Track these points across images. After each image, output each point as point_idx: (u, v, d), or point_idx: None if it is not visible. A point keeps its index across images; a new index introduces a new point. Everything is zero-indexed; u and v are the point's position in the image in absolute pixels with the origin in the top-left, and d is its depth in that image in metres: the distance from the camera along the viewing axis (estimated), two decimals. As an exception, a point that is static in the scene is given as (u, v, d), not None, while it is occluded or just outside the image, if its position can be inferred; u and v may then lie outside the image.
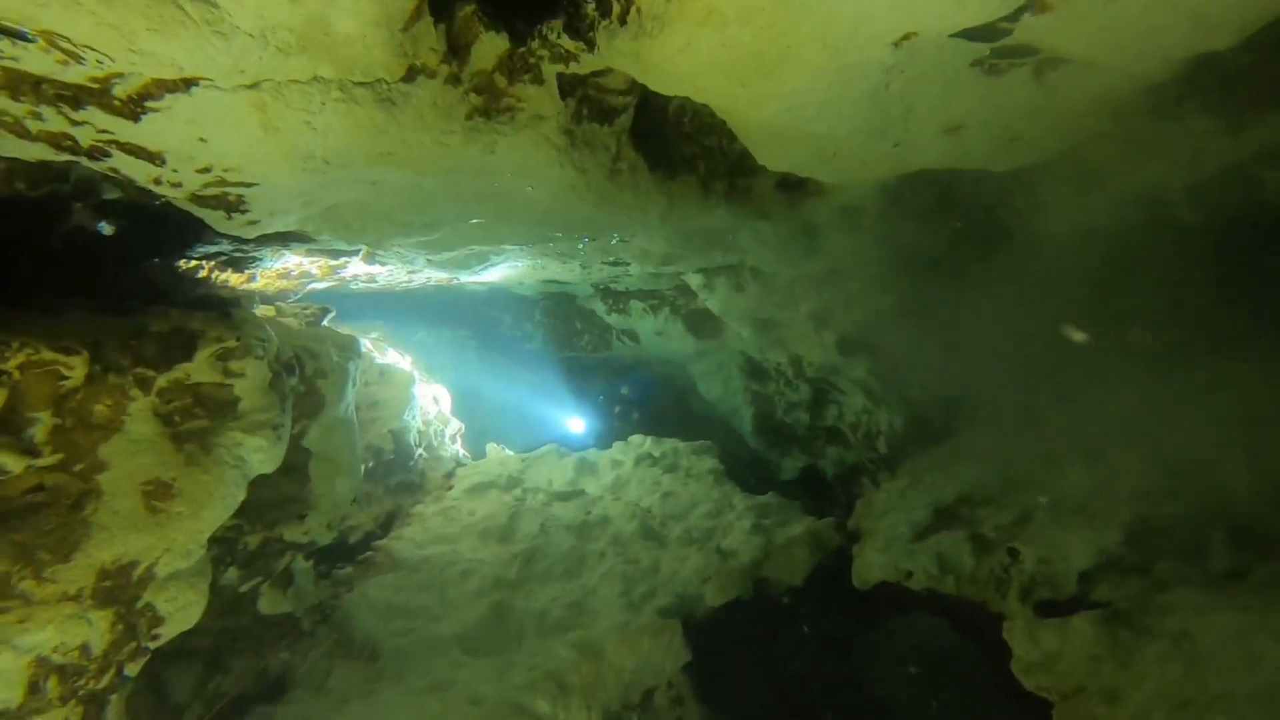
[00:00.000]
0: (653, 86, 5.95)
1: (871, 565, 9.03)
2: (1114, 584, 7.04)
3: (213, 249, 7.58)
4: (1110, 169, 8.19)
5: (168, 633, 6.09)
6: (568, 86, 6.15)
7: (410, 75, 4.92)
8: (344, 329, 9.88)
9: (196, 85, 4.27)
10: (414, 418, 11.64)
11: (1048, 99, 5.75)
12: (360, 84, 4.73)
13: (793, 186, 9.56)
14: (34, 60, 3.87)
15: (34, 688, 5.04)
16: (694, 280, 12.76)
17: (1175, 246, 8.65)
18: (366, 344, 9.51)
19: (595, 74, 6.19)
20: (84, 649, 5.34)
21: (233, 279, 8.11)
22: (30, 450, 5.14)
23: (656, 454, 12.70)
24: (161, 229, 6.96)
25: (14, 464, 5.01)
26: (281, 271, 8.87)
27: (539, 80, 5.76)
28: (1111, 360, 9.33)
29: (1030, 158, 7.38)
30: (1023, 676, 6.85)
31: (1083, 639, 6.48)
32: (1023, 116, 6.12)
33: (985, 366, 10.27)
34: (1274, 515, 6.92)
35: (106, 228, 6.77)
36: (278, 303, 9.65)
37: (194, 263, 7.70)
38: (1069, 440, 8.89)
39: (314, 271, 9.47)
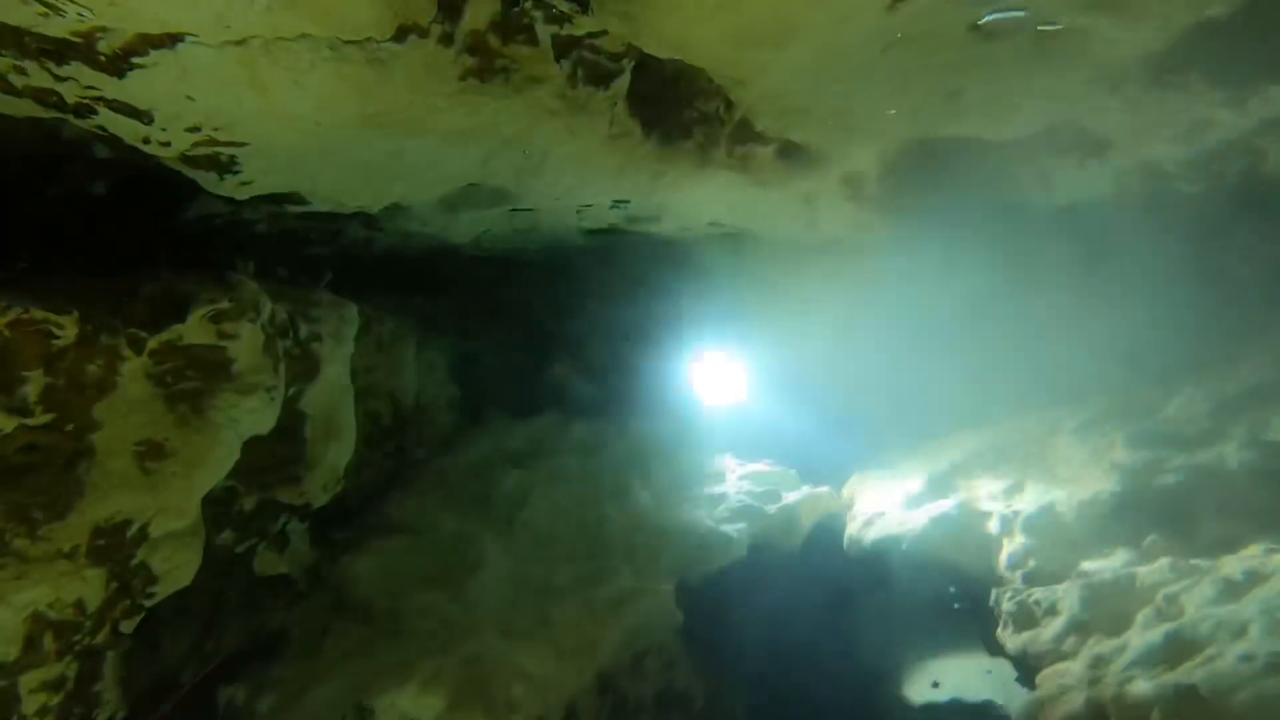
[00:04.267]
0: (648, 49, 5.88)
1: (866, 532, 9.10)
2: (1103, 554, 7.10)
3: (207, 211, 7.57)
4: (1111, 140, 8.12)
5: (162, 591, 6.17)
6: (563, 49, 6.05)
7: (400, 34, 4.85)
8: (340, 294, 9.84)
9: (182, 41, 4.23)
10: (411, 383, 11.65)
11: (1046, 66, 5.69)
12: (349, 42, 4.67)
13: (792, 154, 9.45)
14: (11, 10, 3.82)
15: (30, 643, 5.11)
16: (694, 248, 12.70)
17: (1175, 218, 8.60)
18: (363, 309, 9.47)
19: (591, 36, 6.09)
20: (79, 605, 5.41)
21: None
22: (22, 409, 5.17)
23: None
24: (153, 190, 6.94)
25: (6, 423, 5.03)
26: (278, 233, 8.83)
27: (533, 41, 5.68)
28: (1110, 331, 9.31)
29: (1029, 127, 7.34)
30: (1010, 641, 6.94)
31: (1069, 607, 6.55)
32: (1021, 84, 6.06)
33: (986, 335, 10.25)
34: (1266, 487, 6.95)
35: (98, 188, 6.76)
36: (274, 266, 9.60)
37: (186, 224, 7.68)
38: (1065, 410, 8.90)
39: (311, 235, 9.44)
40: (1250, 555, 6.18)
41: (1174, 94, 6.54)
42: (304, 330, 8.08)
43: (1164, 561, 6.53)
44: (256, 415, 6.70)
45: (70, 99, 4.66)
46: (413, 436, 11.78)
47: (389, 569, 9.06)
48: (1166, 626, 5.79)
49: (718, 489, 10.95)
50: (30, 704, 5.18)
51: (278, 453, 8.03)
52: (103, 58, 4.29)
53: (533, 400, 14.08)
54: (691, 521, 9.90)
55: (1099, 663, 5.85)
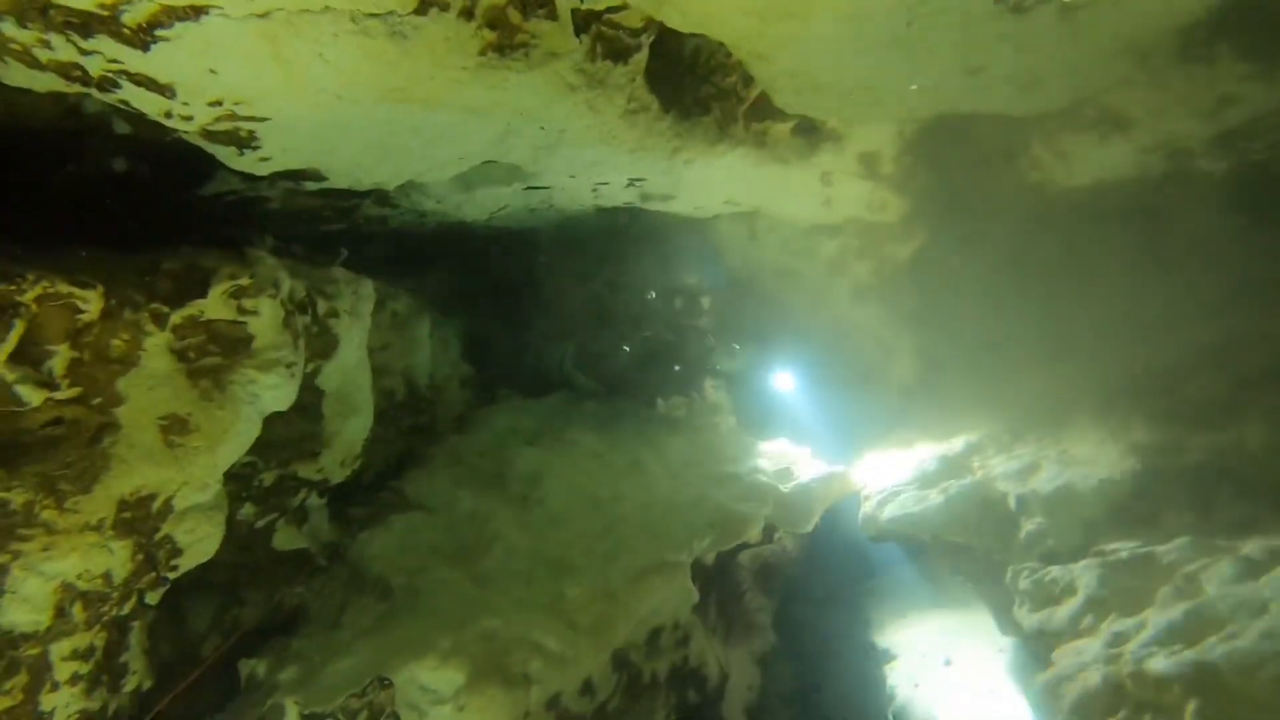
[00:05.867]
0: (670, 23, 5.83)
1: (880, 510, 9.11)
2: (1120, 533, 7.09)
3: (224, 187, 7.57)
4: (1134, 117, 8.03)
5: (186, 564, 6.24)
6: (582, 23, 6.01)
7: (422, 7, 4.82)
8: (354, 272, 9.85)
9: (206, 14, 4.21)
10: (425, 361, 11.68)
11: (1073, 39, 5.60)
12: (372, 15, 4.65)
13: (810, 131, 9.40)
14: (42, -16, 3.82)
15: (60, 612, 5.19)
16: (709, 226, 12.66)
17: (1198, 196, 8.50)
18: (377, 286, 9.47)
19: (610, 10, 6.04)
20: (106, 577, 5.48)
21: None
22: (49, 383, 5.21)
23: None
24: (171, 167, 6.95)
25: (33, 396, 5.08)
26: (292, 211, 8.84)
27: (553, 15, 5.64)
28: (1129, 312, 9.24)
29: (1053, 103, 7.24)
30: (1025, 619, 6.96)
31: (1087, 586, 6.55)
32: (1046, 58, 5.97)
33: (1001, 315, 10.20)
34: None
35: (118, 164, 6.76)
36: (290, 243, 9.61)
37: (202, 201, 7.69)
38: (1082, 392, 8.86)
39: (326, 213, 9.43)
40: (1270, 535, 6.16)
41: (1201, 68, 6.46)
42: (321, 307, 8.09)
43: (1183, 540, 6.52)
44: (277, 391, 6.73)
45: (94, 73, 4.66)
46: (427, 414, 11.83)
47: (406, 545, 9.13)
48: (1186, 605, 5.79)
49: (732, 468, 10.98)
50: (62, 671, 5.28)
51: (296, 428, 8.09)
52: (127, 30, 4.27)
53: (546, 379, 14.12)
54: (706, 500, 9.94)
55: (1117, 640, 5.87)
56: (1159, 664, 5.28)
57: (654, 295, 14.21)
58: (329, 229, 10.06)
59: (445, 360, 12.73)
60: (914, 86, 6.37)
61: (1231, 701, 4.85)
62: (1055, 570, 6.96)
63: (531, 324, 14.75)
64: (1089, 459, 8.03)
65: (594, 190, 9.75)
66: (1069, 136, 8.85)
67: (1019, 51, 5.78)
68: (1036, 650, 7.01)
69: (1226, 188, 8.34)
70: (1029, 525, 7.69)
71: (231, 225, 8.14)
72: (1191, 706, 4.91)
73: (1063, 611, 6.57)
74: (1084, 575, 6.67)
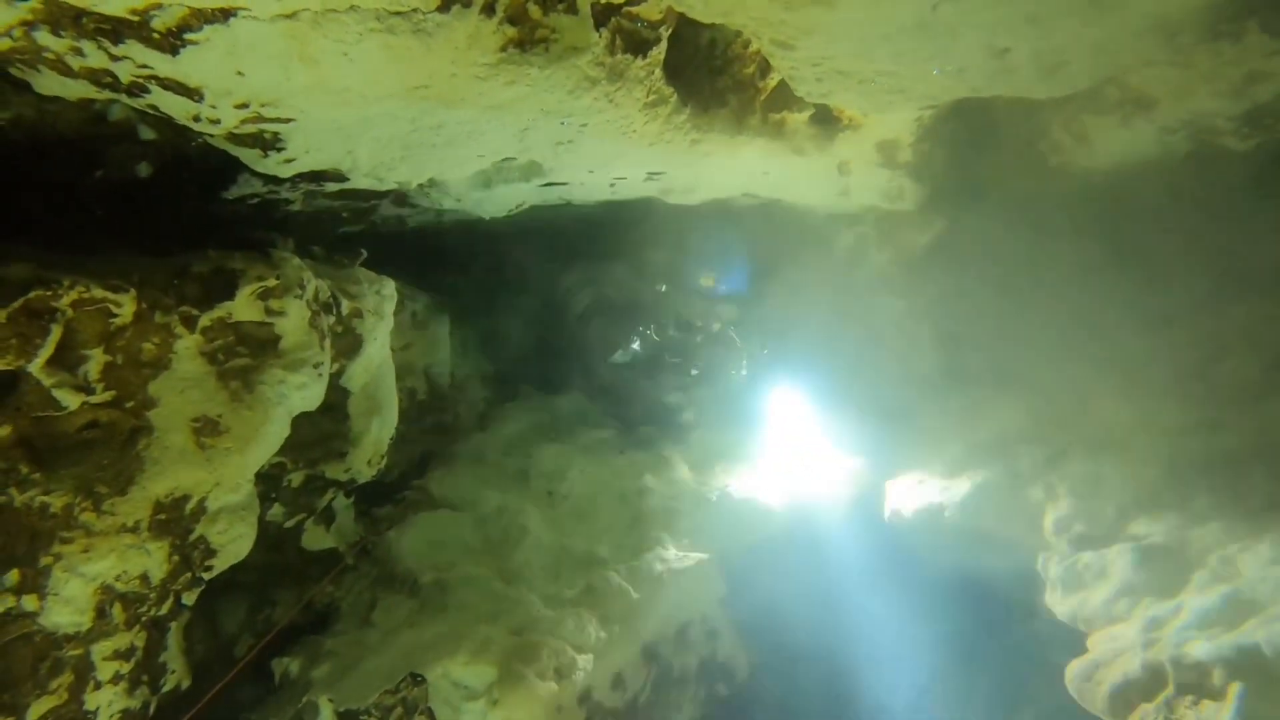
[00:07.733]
0: (692, 14, 5.81)
1: (906, 501, 9.07)
2: (1152, 518, 7.03)
3: (247, 190, 7.62)
4: (1157, 97, 7.93)
5: (220, 564, 6.30)
6: (602, 16, 6.00)
7: (445, 5, 4.83)
8: (375, 272, 9.90)
9: (234, 16, 4.23)
10: (446, 360, 11.73)
11: (1100, 19, 5.54)
12: (396, 13, 4.65)
13: (827, 121, 9.35)
14: (76, -10, 3.84)
15: (101, 612, 5.26)
16: (727, 219, 12.62)
17: (1223, 176, 8.39)
18: (398, 286, 9.51)
19: (630, 2, 6.04)
20: (144, 578, 5.54)
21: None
22: (84, 387, 5.26)
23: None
24: (195, 173, 7.00)
25: (71, 400, 5.13)
26: (312, 213, 8.88)
27: (573, 10, 5.63)
28: (1157, 294, 9.13)
29: (1076, 84, 7.14)
30: (1056, 607, 6.92)
31: (1120, 571, 6.50)
32: (1073, 38, 5.90)
33: (1023, 301, 10.11)
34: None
35: (143, 170, 6.82)
36: (310, 245, 9.66)
37: (224, 205, 7.74)
38: (1109, 377, 8.77)
39: (344, 214, 9.48)
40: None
41: (1228, 45, 6.37)
42: (346, 307, 8.13)
43: (1217, 524, 6.46)
44: (305, 391, 6.78)
45: (124, 79, 4.69)
46: (449, 413, 11.89)
47: (433, 543, 9.19)
48: (1223, 588, 5.73)
49: (755, 461, 10.98)
50: (104, 671, 5.35)
51: (323, 429, 8.14)
52: (156, 35, 4.29)
53: (564, 376, 14.13)
54: (731, 493, 9.94)
55: (1154, 625, 5.82)
56: (1200, 648, 5.23)
57: (672, 289, 14.22)
58: (347, 230, 10.11)
59: (466, 358, 12.79)
60: (936, 71, 6.31)
61: (1276, 684, 4.80)
62: (1087, 556, 6.91)
63: (550, 320, 14.76)
64: (1118, 443, 7.97)
65: (611, 185, 9.73)
66: (1090, 119, 8.76)
67: (1045, 32, 5.71)
68: (1070, 637, 6.96)
69: (1253, 166, 8.23)
70: (1058, 511, 7.63)
71: (255, 228, 8.19)
72: (1235, 689, 4.87)
73: (1096, 597, 6.52)
74: (1117, 560, 6.62)
